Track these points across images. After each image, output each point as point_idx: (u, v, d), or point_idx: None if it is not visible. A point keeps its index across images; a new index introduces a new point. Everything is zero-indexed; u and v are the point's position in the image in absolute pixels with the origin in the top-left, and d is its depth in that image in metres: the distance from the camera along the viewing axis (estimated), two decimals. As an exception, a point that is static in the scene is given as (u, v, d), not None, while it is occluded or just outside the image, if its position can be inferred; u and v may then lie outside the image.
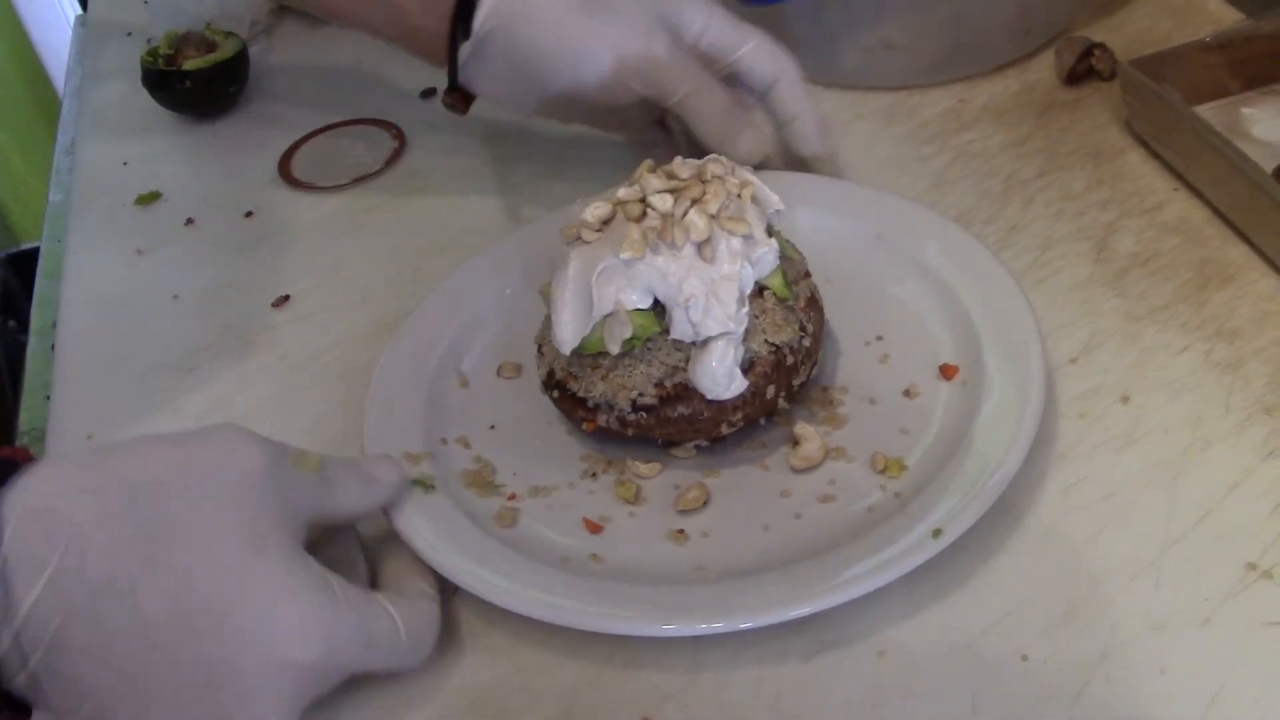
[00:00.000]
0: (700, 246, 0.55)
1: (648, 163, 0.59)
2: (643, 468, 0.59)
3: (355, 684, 0.49)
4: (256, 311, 0.74)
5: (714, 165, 0.58)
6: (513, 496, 0.59)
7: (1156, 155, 0.72)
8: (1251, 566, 0.51)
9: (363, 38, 0.73)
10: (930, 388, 0.60)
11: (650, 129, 0.75)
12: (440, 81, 0.71)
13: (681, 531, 0.56)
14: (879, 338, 0.63)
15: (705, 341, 0.55)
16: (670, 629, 0.50)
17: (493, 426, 0.63)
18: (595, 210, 0.57)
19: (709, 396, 0.56)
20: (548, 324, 0.60)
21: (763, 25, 0.69)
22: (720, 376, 0.55)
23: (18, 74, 2.06)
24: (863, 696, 0.49)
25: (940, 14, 0.78)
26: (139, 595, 0.42)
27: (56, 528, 0.42)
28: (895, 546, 0.51)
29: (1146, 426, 0.57)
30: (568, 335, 0.56)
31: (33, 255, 0.90)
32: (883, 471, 0.57)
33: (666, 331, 0.56)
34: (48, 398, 0.70)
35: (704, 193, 0.56)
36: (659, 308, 0.56)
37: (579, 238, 0.57)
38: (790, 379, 0.58)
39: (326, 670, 0.46)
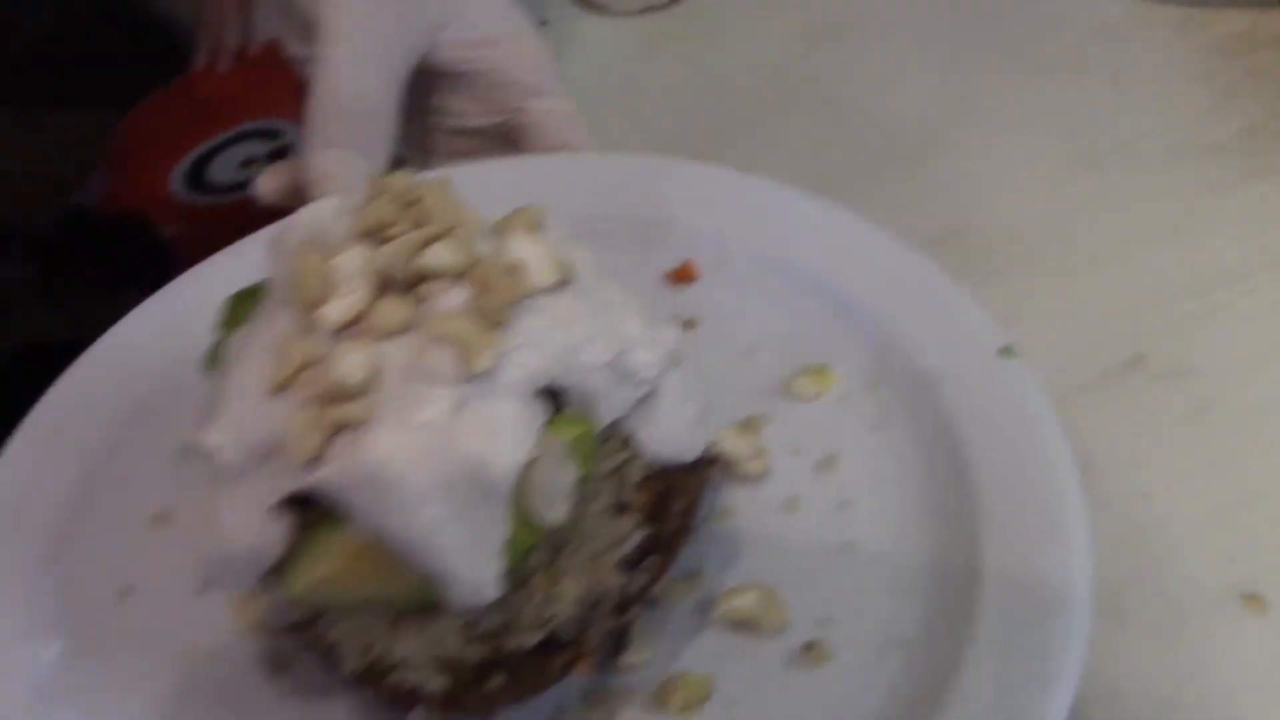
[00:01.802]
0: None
1: (297, 258, 0.31)
2: (635, 658, 0.35)
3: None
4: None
5: (392, 181, 0.32)
6: None
7: None
8: None
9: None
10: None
11: None
12: None
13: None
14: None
15: (653, 385, 0.32)
16: None
17: None
18: (344, 360, 0.29)
19: (687, 458, 0.34)
20: (363, 632, 0.31)
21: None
22: (688, 415, 0.33)
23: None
24: None
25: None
26: None
27: None
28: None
29: None
30: (479, 570, 0.29)
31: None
32: (818, 395, 0.40)
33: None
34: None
35: (434, 211, 0.31)
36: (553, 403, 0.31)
37: (349, 428, 0.29)
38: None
39: None
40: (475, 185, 0.36)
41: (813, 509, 0.38)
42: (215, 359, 0.34)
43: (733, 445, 0.39)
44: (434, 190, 0.32)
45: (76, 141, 0.68)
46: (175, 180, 0.69)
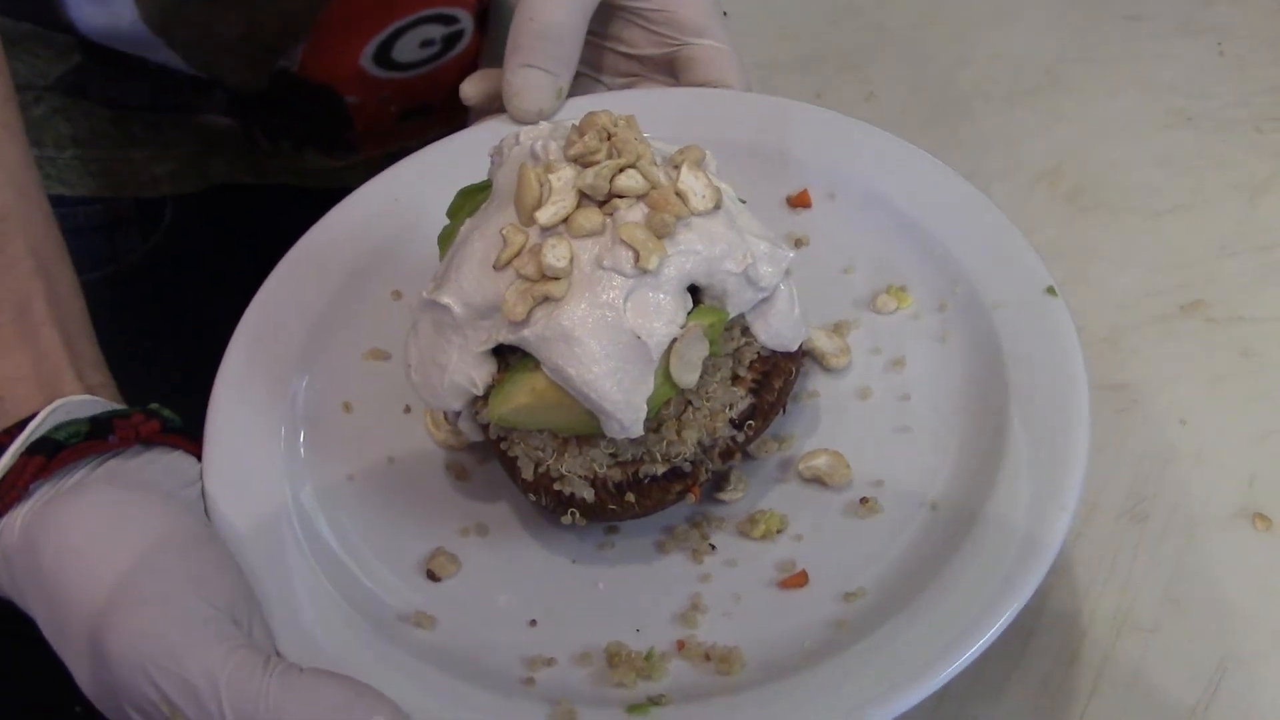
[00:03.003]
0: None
1: (524, 168, 0.42)
2: (728, 494, 0.46)
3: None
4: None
5: (597, 116, 0.43)
6: (682, 645, 0.42)
7: None
8: None
9: None
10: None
11: None
12: None
13: (867, 501, 0.45)
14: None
15: (770, 293, 0.43)
16: None
17: (534, 622, 0.44)
18: (552, 251, 0.40)
19: (790, 348, 0.45)
20: (537, 448, 0.43)
21: None
22: (795, 315, 0.44)
23: None
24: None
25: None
26: None
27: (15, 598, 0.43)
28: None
29: None
30: (630, 411, 0.40)
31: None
32: (897, 309, 0.50)
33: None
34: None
35: (628, 143, 0.42)
36: (696, 296, 0.42)
37: (547, 299, 0.40)
38: None
39: None
40: (641, 108, 0.46)
41: (880, 398, 0.48)
42: (446, 237, 0.45)
43: (823, 342, 0.49)
44: (626, 127, 0.42)
45: (290, 15, 0.70)
46: (365, 56, 0.74)
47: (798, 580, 0.44)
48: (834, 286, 0.52)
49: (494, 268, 0.41)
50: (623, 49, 0.59)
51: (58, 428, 0.43)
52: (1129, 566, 0.50)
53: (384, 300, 0.52)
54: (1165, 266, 0.60)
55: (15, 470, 0.42)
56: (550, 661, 0.42)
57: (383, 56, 0.74)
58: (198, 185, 0.78)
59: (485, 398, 0.43)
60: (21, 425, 0.43)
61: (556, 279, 0.40)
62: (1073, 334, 0.47)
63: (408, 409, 0.50)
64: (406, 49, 0.74)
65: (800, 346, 0.45)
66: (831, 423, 0.48)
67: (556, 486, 0.43)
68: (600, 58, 0.59)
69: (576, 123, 0.43)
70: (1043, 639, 0.48)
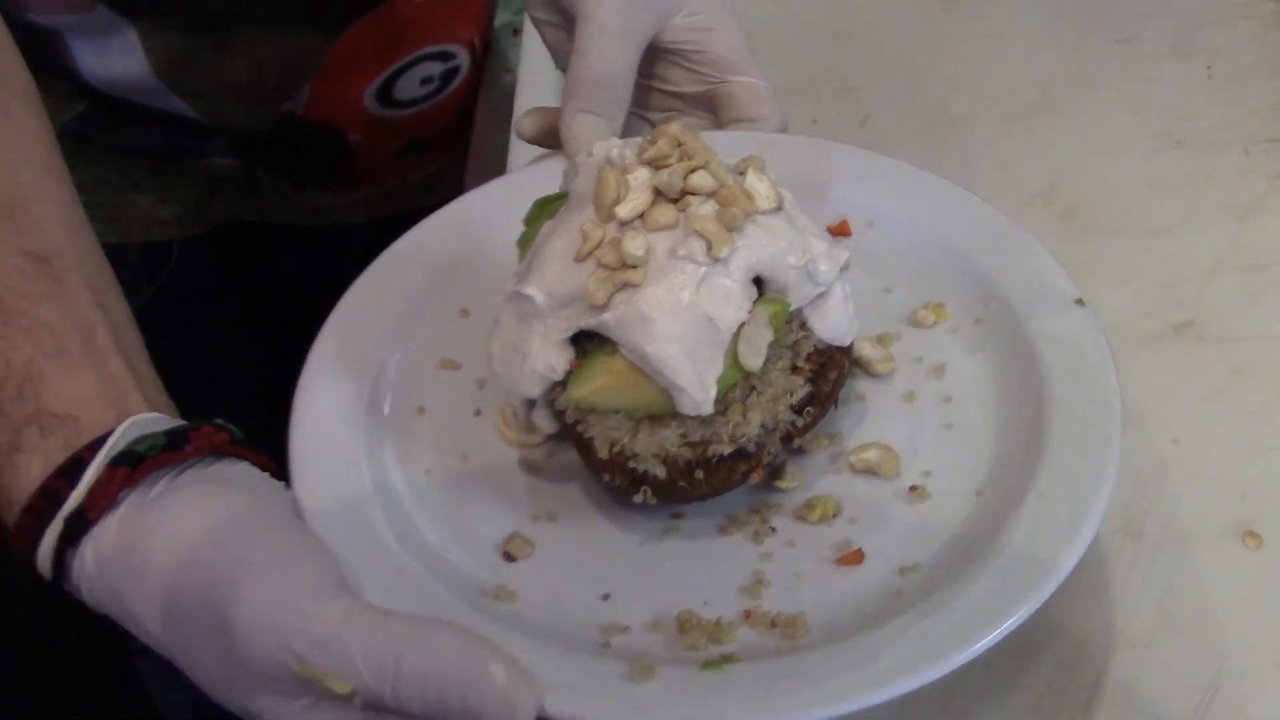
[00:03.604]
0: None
1: (603, 171, 0.46)
2: (787, 482, 0.49)
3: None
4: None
5: (669, 129, 0.47)
6: (749, 614, 0.45)
7: None
8: None
9: None
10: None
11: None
12: None
13: (916, 489, 0.48)
14: None
15: (827, 289, 0.47)
16: None
17: (607, 596, 0.47)
18: (631, 243, 0.44)
19: (844, 342, 0.48)
20: (613, 428, 0.46)
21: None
22: (847, 311, 0.48)
23: None
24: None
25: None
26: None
27: (110, 607, 0.44)
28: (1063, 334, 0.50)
29: None
30: (702, 390, 0.44)
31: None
32: (936, 323, 0.54)
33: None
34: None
35: (699, 152, 0.46)
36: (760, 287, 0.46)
37: (627, 285, 0.44)
38: None
39: None
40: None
41: (924, 400, 0.52)
42: (525, 241, 0.49)
43: (869, 351, 0.53)
44: (692, 137, 0.46)
45: (295, 59, 0.73)
46: (368, 95, 0.77)
47: (855, 558, 0.46)
48: (876, 304, 0.55)
49: (575, 260, 0.45)
50: (666, 87, 0.63)
51: (136, 441, 0.46)
52: (1124, 583, 0.51)
53: (453, 317, 0.56)
54: (1157, 286, 0.62)
55: (103, 481, 0.44)
56: (624, 629, 0.45)
57: (385, 95, 0.77)
58: (202, 227, 0.81)
59: (563, 383, 0.46)
60: (100, 441, 0.45)
61: (635, 267, 0.44)
62: (1102, 340, 0.51)
63: (478, 413, 0.53)
64: (408, 87, 0.78)
65: (852, 342, 0.49)
66: (879, 421, 0.51)
67: (630, 465, 0.46)
68: (646, 96, 0.63)
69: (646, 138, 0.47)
70: (1038, 655, 0.49)
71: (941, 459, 0.49)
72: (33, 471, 0.45)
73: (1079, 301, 0.52)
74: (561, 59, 0.65)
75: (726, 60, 0.61)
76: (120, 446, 0.45)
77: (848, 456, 0.50)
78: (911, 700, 0.42)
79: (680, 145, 0.46)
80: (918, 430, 0.51)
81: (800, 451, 0.50)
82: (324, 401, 0.51)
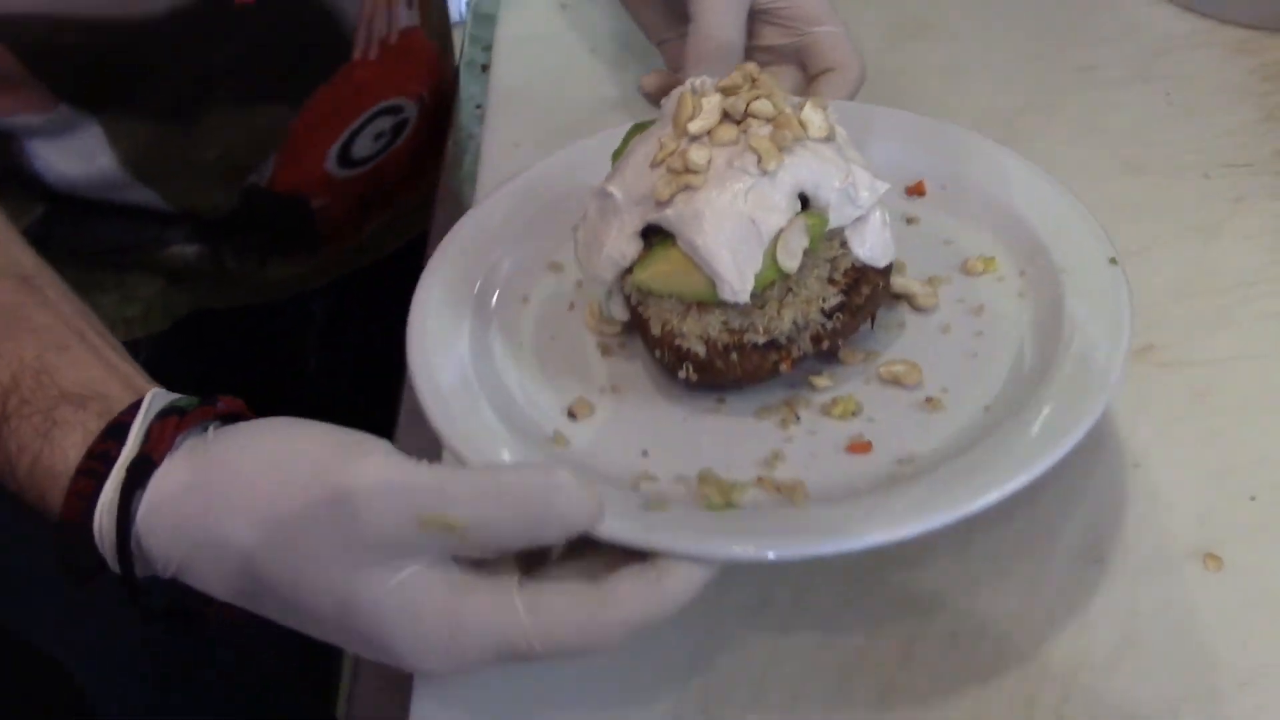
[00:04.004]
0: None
1: (683, 96, 0.54)
2: (821, 381, 0.56)
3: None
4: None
5: (748, 67, 0.55)
6: (760, 480, 0.52)
7: None
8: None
9: None
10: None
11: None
12: None
13: (931, 399, 0.55)
14: None
15: (866, 214, 0.54)
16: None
17: (645, 453, 0.54)
18: (695, 153, 0.52)
19: (878, 264, 0.55)
20: (666, 311, 0.54)
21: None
22: (885, 237, 0.55)
23: None
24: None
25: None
26: (270, 612, 0.46)
27: (175, 553, 0.45)
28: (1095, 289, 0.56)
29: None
30: (740, 281, 0.52)
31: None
32: (984, 272, 0.60)
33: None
34: (478, 106, 0.84)
35: (768, 88, 0.54)
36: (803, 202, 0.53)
37: (687, 188, 0.52)
38: None
39: (472, 670, 0.46)
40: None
41: (958, 332, 0.58)
42: (617, 154, 0.58)
43: (917, 288, 0.59)
44: (766, 75, 0.54)
45: (262, 133, 0.73)
46: (330, 159, 0.78)
47: (863, 447, 0.53)
48: (935, 252, 0.62)
49: (650, 165, 0.53)
50: (760, 43, 0.70)
51: (172, 402, 0.48)
52: (1086, 607, 0.53)
53: (564, 231, 0.64)
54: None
55: (158, 428, 0.46)
56: (654, 479, 0.52)
57: (345, 156, 0.79)
58: (166, 323, 0.79)
59: (630, 271, 0.55)
60: (134, 408, 0.47)
61: (696, 172, 0.52)
62: (1125, 295, 0.56)
63: (571, 306, 0.62)
64: (364, 145, 0.80)
65: (889, 266, 0.56)
66: (912, 344, 0.58)
67: (677, 343, 0.54)
68: (745, 55, 0.70)
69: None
70: (1002, 680, 0.51)
71: (960, 379, 0.56)
72: (74, 442, 0.47)
73: (1113, 260, 0.57)
74: (654, 33, 0.74)
75: (811, 13, 0.68)
76: (159, 406, 0.47)
77: (877, 368, 0.57)
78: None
79: (754, 80, 0.54)
80: (945, 355, 0.57)
81: (837, 361, 0.57)
82: (441, 284, 0.60)
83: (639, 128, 0.59)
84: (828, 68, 0.68)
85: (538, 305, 0.62)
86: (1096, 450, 0.58)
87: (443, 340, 0.58)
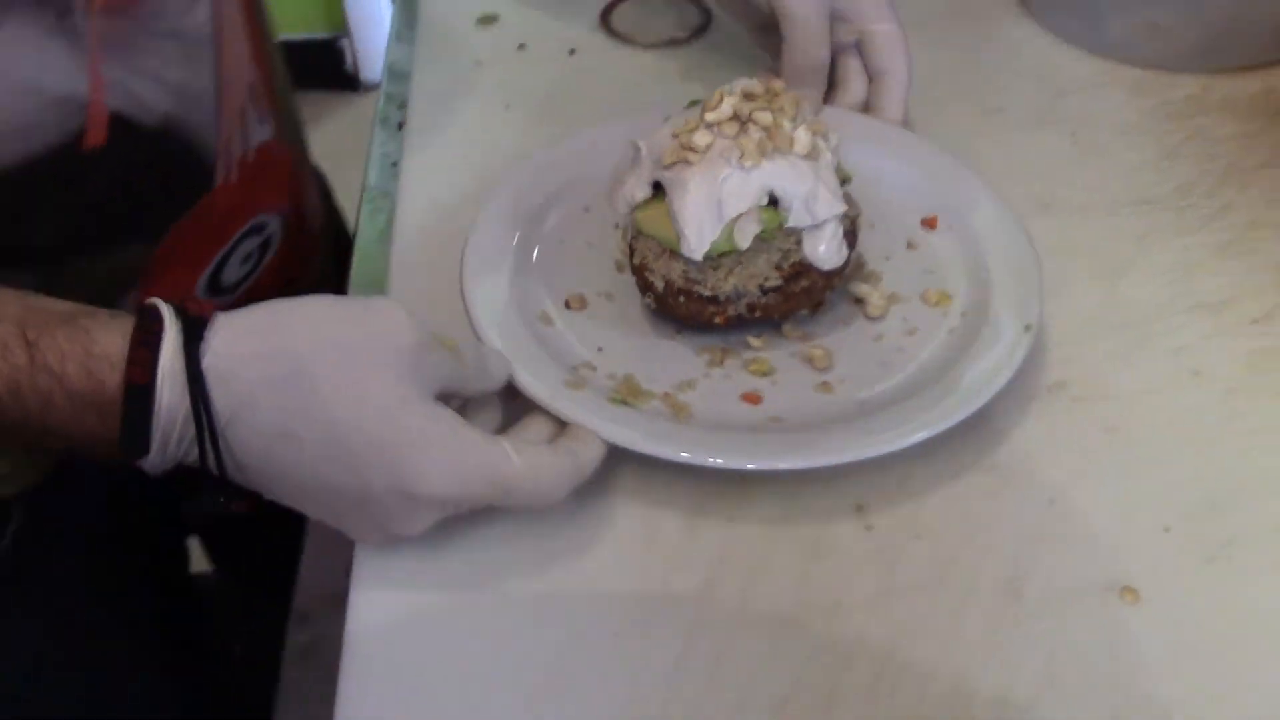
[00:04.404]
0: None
1: (720, 91, 0.68)
2: (755, 342, 0.70)
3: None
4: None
5: (775, 83, 0.69)
6: (666, 395, 0.67)
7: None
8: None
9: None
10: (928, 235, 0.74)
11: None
12: None
13: (826, 384, 0.68)
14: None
15: (820, 224, 0.67)
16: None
17: (600, 349, 0.70)
18: (699, 136, 0.66)
19: (825, 268, 0.68)
20: (647, 248, 0.69)
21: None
22: (835, 249, 0.67)
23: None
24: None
25: (1212, 7, 0.88)
26: (301, 440, 0.53)
27: (236, 387, 0.52)
28: (1001, 345, 0.66)
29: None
30: (698, 242, 0.66)
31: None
32: (936, 305, 0.71)
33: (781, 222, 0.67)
34: (394, 164, 0.85)
35: (781, 104, 0.67)
36: (773, 203, 0.67)
37: (684, 161, 0.66)
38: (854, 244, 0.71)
39: (457, 502, 0.56)
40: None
41: (885, 343, 0.69)
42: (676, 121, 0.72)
43: (875, 299, 0.71)
44: (785, 91, 0.68)
45: (122, 271, 0.72)
46: (200, 288, 0.76)
47: (754, 399, 0.66)
48: (911, 277, 0.73)
49: (673, 135, 0.68)
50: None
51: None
52: (1008, 644, 0.54)
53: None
54: (1031, 349, 0.64)
55: (193, 306, 0.53)
56: (592, 368, 0.68)
57: (214, 283, 0.77)
58: (36, 478, 0.74)
59: (636, 210, 0.70)
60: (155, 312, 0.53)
61: (695, 151, 0.66)
62: (1020, 357, 0.64)
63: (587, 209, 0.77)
64: (232, 270, 0.78)
65: (838, 270, 0.68)
66: (841, 339, 0.70)
67: (647, 276, 0.69)
68: None
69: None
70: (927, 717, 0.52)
71: (858, 378, 0.68)
72: (115, 329, 0.52)
73: (1028, 328, 0.66)
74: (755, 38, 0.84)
75: (871, 10, 0.77)
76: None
77: (802, 348, 0.70)
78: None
79: (775, 95, 0.68)
80: (861, 356, 0.69)
81: (780, 334, 0.71)
82: (498, 200, 0.75)
83: (693, 103, 0.73)
84: (881, 68, 0.77)
85: (573, 245, 0.76)
86: (1012, 488, 0.61)
87: (496, 227, 0.74)
